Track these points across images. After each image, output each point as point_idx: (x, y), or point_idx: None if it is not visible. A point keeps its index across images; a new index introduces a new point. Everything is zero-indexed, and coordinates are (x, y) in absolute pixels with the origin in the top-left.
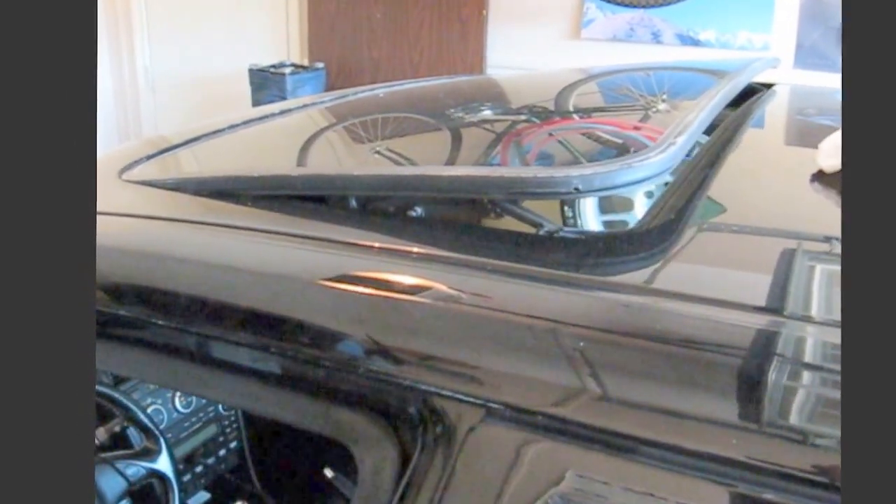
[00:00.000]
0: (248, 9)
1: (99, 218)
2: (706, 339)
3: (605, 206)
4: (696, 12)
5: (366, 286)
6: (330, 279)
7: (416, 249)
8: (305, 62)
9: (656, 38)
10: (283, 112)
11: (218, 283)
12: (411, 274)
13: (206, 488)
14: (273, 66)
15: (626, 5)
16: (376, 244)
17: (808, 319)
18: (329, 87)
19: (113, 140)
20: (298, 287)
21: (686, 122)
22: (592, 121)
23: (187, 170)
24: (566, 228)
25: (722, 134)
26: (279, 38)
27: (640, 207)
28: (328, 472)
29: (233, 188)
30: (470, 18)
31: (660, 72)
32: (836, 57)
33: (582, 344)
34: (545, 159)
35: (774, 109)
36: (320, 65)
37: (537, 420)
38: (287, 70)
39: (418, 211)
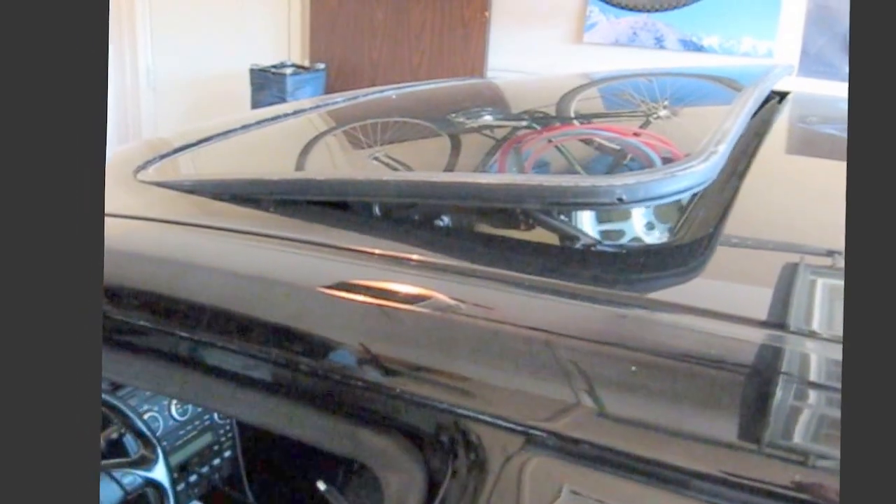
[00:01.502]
0: (250, 9)
1: (116, 220)
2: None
3: (632, 217)
4: (700, 18)
5: (393, 301)
6: (355, 292)
7: (450, 262)
8: (306, 63)
9: (659, 43)
10: (295, 113)
11: (237, 293)
12: (440, 289)
13: (199, 498)
14: (274, 67)
15: (630, 9)
16: (403, 254)
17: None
18: (329, 88)
19: (112, 139)
20: (323, 300)
21: (724, 129)
22: (592, 127)
23: (202, 171)
24: (604, 242)
25: (748, 143)
26: (280, 38)
27: (667, 219)
28: (321, 486)
29: (253, 192)
30: (472, 20)
31: (666, 78)
32: (842, 65)
33: (634, 369)
34: (543, 167)
35: (797, 118)
36: (321, 65)
37: (579, 449)
38: (288, 70)
39: (445, 220)
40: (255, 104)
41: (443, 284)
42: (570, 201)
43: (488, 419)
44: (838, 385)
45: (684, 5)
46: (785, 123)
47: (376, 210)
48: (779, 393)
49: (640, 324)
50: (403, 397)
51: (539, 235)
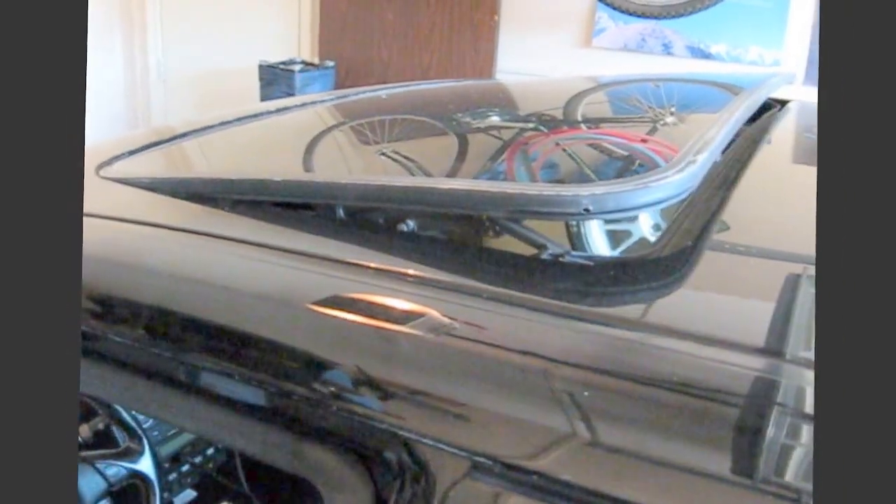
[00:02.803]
0: (261, 6)
1: None
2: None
3: (615, 227)
4: (708, 25)
5: (343, 310)
6: (303, 299)
7: (404, 270)
8: (316, 60)
9: (667, 49)
10: (279, 110)
11: (178, 297)
12: (396, 298)
13: (193, 487)
14: (283, 63)
15: (638, 16)
16: (360, 262)
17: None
18: (338, 86)
19: (122, 131)
20: (268, 305)
21: (706, 138)
22: (600, 131)
23: (168, 168)
24: (572, 252)
25: (738, 152)
26: (291, 35)
27: (651, 231)
28: None
29: (210, 191)
30: (482, 23)
31: (672, 83)
32: None
33: (587, 393)
34: (551, 168)
35: (791, 127)
36: (330, 63)
37: (529, 478)
38: (297, 67)
39: (410, 225)
40: (264, 99)
41: (394, 293)
42: (533, 210)
43: (434, 441)
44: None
45: (692, 13)
46: (781, 132)
47: (340, 213)
48: (750, 418)
49: (602, 343)
50: (348, 413)
51: (504, 243)
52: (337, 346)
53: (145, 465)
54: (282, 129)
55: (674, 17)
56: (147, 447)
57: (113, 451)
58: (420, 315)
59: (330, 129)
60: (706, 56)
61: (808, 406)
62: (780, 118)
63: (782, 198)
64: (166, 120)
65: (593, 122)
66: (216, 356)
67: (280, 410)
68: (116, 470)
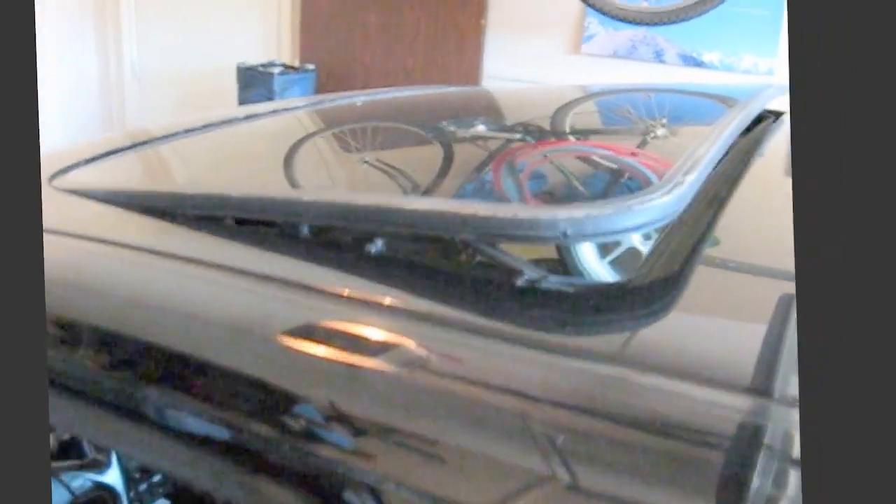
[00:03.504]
0: (240, 6)
1: None
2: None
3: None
4: (701, 33)
5: (303, 339)
6: (259, 327)
7: (369, 296)
8: (296, 63)
9: (659, 57)
10: (249, 117)
11: (125, 321)
12: (360, 327)
13: (166, 496)
14: (262, 65)
15: (629, 22)
16: (322, 286)
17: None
18: (319, 90)
19: (96, 130)
20: (219, 334)
21: (696, 157)
22: (589, 143)
23: (127, 179)
24: (549, 277)
25: (730, 166)
26: (270, 37)
27: (636, 253)
28: None
29: (169, 205)
30: (468, 26)
31: (664, 94)
32: None
33: (562, 438)
34: (538, 180)
35: (785, 139)
36: (311, 66)
37: None
38: (276, 70)
39: (378, 246)
40: (242, 102)
41: (358, 322)
42: (508, 233)
43: (398, 485)
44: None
45: (684, 20)
46: (775, 145)
47: (304, 231)
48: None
49: (582, 379)
50: (307, 452)
51: (477, 266)
52: (296, 378)
53: (112, 476)
54: (250, 138)
55: (665, 23)
56: (115, 458)
57: (78, 462)
58: (384, 347)
59: (304, 138)
60: (698, 64)
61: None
62: (775, 130)
63: (774, 215)
64: (142, 121)
65: (582, 134)
66: (167, 385)
67: (234, 445)
68: (82, 482)
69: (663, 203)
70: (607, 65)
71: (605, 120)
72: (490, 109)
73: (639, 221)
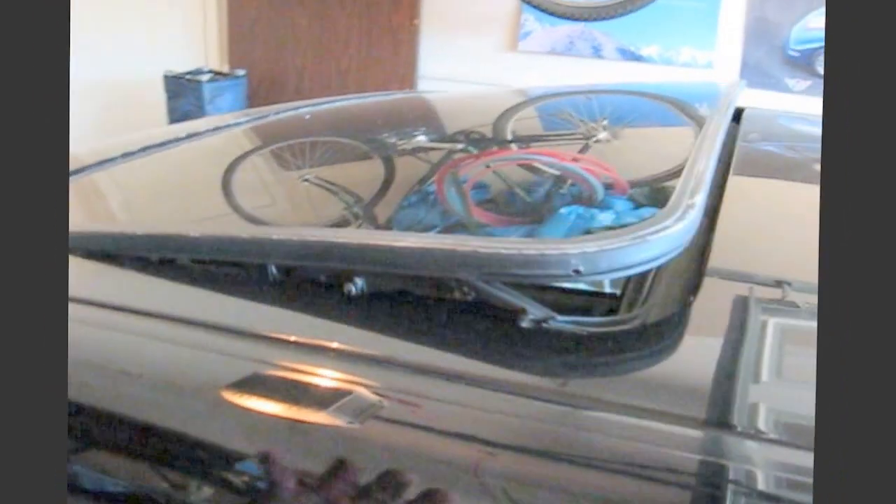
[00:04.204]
0: (163, 10)
1: None
2: None
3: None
4: (639, 28)
5: (262, 398)
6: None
7: (346, 346)
8: (225, 69)
9: (597, 52)
10: (189, 136)
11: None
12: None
13: None
14: (190, 73)
15: (566, 18)
16: (290, 337)
17: None
18: (251, 96)
19: None
20: (167, 392)
21: (698, 175)
22: (531, 151)
23: None
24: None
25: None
26: (196, 43)
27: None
28: None
29: (113, 247)
30: (401, 27)
31: (605, 95)
32: (782, 76)
33: None
34: (482, 189)
35: (756, 138)
36: (241, 72)
37: None
38: (205, 77)
39: (358, 285)
40: (171, 112)
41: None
42: (512, 272)
43: None
44: None
45: (621, 15)
46: (750, 149)
47: (272, 272)
48: None
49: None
50: None
51: (473, 306)
52: (254, 439)
53: None
54: (195, 162)
55: (604, 18)
56: None
57: None
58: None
59: (247, 157)
60: (637, 58)
61: None
62: (744, 131)
63: (772, 227)
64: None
65: (524, 141)
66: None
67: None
68: None
69: (678, 231)
70: (545, 61)
71: (547, 125)
72: (430, 118)
73: (655, 253)
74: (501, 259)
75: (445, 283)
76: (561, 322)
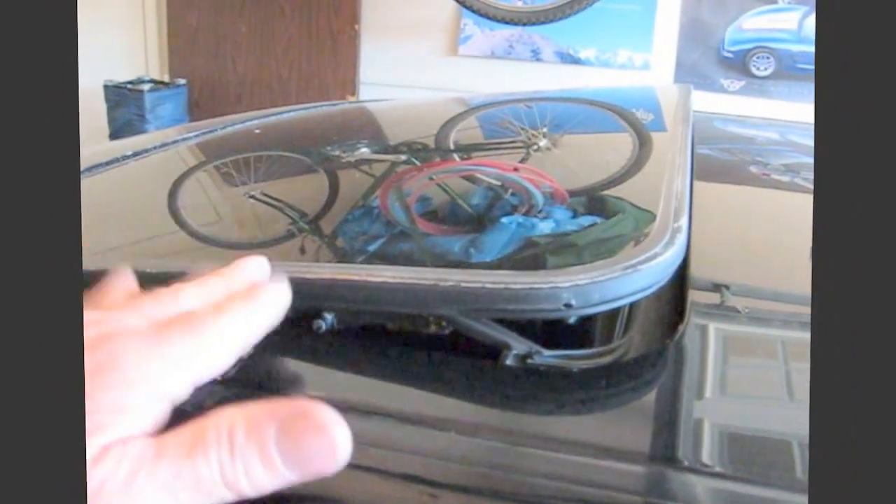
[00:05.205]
0: (101, 18)
1: None
2: None
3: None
4: (577, 31)
5: None
6: None
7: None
8: (166, 78)
9: (536, 55)
10: (123, 159)
11: None
12: None
13: None
14: (130, 83)
15: (505, 22)
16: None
17: None
18: (192, 105)
19: None
20: None
21: (679, 194)
22: (473, 162)
23: None
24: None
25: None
26: (136, 52)
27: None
28: None
29: None
30: (341, 33)
31: (545, 103)
32: (717, 76)
33: None
34: (425, 202)
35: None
36: (182, 81)
37: None
38: (146, 87)
39: (328, 321)
40: (112, 122)
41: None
42: (499, 307)
43: None
44: None
45: (559, 19)
46: (708, 159)
47: None
48: None
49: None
50: None
51: (454, 340)
52: None
53: None
54: (131, 188)
55: (542, 22)
56: None
57: None
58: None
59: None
60: (575, 61)
61: None
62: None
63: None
64: None
65: (466, 151)
66: None
67: None
68: None
69: (669, 257)
70: (485, 65)
71: (489, 134)
72: (374, 129)
73: (648, 281)
74: (489, 294)
75: (422, 317)
76: (547, 357)
